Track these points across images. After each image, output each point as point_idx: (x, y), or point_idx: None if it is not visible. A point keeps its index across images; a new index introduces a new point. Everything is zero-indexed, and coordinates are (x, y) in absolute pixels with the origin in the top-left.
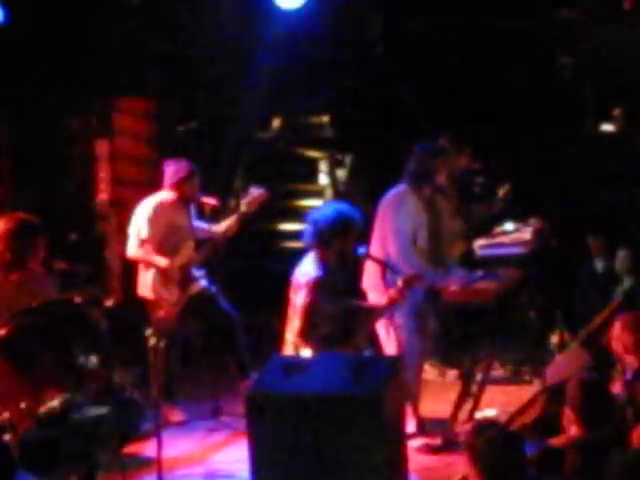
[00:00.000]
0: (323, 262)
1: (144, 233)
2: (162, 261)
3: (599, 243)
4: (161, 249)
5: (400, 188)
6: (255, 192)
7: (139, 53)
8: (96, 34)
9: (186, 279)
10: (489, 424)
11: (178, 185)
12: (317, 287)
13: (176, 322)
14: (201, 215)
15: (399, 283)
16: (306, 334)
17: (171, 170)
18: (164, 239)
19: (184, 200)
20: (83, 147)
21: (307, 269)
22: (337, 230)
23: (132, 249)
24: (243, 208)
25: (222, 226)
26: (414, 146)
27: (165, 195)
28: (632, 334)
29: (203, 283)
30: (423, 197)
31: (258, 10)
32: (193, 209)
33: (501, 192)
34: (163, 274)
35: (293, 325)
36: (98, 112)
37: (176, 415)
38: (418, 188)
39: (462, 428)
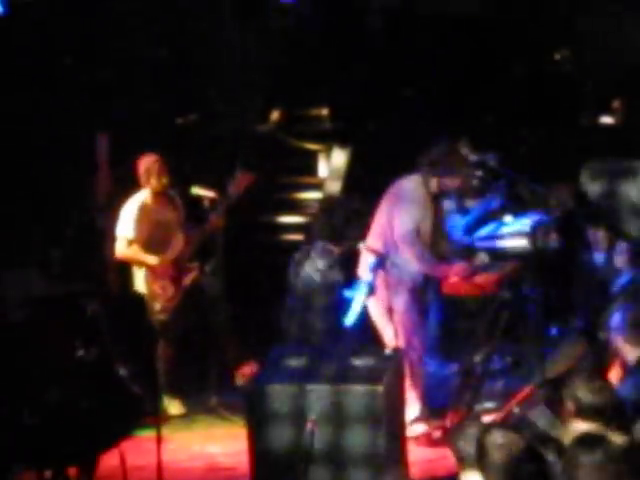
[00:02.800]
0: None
1: (130, 233)
2: (151, 259)
3: (599, 236)
4: (149, 247)
5: (412, 178)
6: (240, 175)
7: (137, 46)
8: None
9: (180, 273)
10: (470, 423)
11: (145, 180)
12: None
13: (173, 316)
14: (200, 208)
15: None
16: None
17: (138, 166)
18: (151, 237)
19: (160, 194)
20: (83, 141)
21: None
22: (348, 223)
23: (120, 250)
24: (231, 192)
25: (214, 222)
26: (418, 138)
27: (144, 193)
28: (631, 326)
29: (197, 273)
30: (431, 189)
31: (257, 1)
32: (180, 202)
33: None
34: (153, 271)
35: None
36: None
37: (176, 408)
38: (429, 179)
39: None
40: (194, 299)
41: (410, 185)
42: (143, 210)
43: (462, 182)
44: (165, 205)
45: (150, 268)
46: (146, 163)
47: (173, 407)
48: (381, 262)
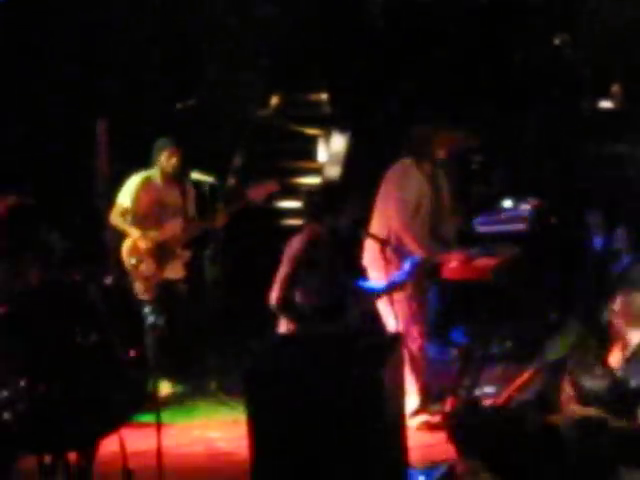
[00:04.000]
0: (311, 237)
1: (127, 203)
2: (134, 233)
3: (598, 220)
4: (144, 222)
5: (404, 161)
6: (266, 183)
7: (136, 31)
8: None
9: (166, 255)
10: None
11: (156, 158)
12: (297, 260)
13: (156, 295)
14: (199, 192)
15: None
16: (282, 304)
17: (153, 148)
18: (148, 213)
19: (168, 176)
20: (82, 126)
21: (294, 241)
22: (328, 205)
23: (114, 216)
24: (252, 195)
25: (220, 221)
26: (412, 123)
27: (153, 172)
28: (633, 309)
29: (180, 275)
30: (425, 170)
31: None
32: (192, 191)
33: None
34: (135, 245)
35: (272, 293)
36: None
37: (166, 388)
38: (419, 162)
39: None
40: (167, 301)
41: (402, 170)
42: (147, 185)
43: (452, 146)
44: (171, 187)
45: (133, 241)
46: (160, 143)
47: (163, 388)
48: (419, 263)
